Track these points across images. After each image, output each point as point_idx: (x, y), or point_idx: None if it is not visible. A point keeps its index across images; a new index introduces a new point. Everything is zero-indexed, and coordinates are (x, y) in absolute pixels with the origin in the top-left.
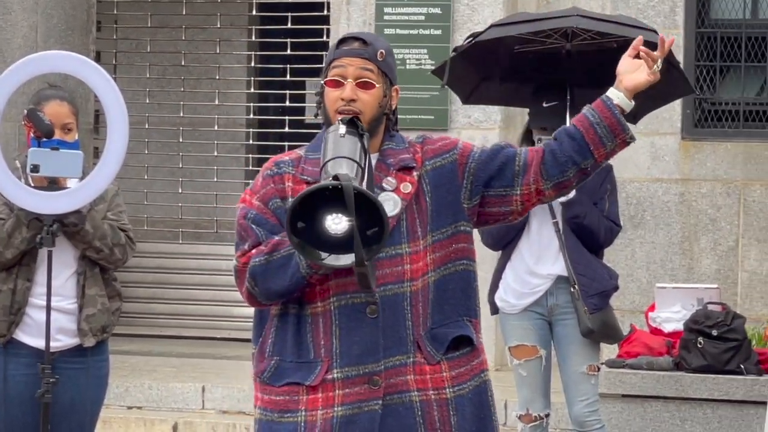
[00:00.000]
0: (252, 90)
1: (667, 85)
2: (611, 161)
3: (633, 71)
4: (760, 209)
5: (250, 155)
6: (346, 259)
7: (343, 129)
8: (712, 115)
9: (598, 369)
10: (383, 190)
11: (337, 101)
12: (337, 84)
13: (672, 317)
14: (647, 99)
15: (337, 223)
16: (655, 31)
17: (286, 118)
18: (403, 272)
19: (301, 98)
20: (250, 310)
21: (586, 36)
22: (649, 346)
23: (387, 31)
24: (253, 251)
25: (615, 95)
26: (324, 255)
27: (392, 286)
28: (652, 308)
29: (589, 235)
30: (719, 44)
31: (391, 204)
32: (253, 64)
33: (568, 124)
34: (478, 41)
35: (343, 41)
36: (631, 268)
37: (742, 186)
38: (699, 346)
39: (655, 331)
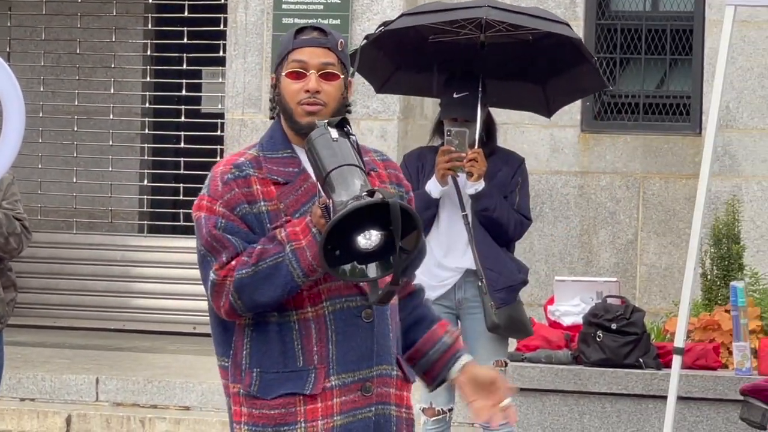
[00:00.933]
0: (148, 79)
1: (583, 79)
2: (522, 154)
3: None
4: (659, 202)
5: (146, 145)
6: (372, 272)
7: (335, 132)
8: (611, 108)
9: (506, 364)
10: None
11: (299, 93)
12: (299, 75)
13: (571, 311)
14: (563, 94)
15: (367, 239)
16: (567, 24)
17: (182, 107)
18: (383, 282)
19: (198, 87)
20: (145, 302)
21: (501, 27)
22: (548, 339)
23: (285, 20)
24: (233, 263)
25: (459, 365)
26: (359, 272)
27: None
28: (551, 301)
29: (498, 228)
30: (619, 36)
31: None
32: (149, 53)
33: (479, 115)
34: (389, 30)
35: (300, 31)
36: (529, 261)
37: (641, 179)
38: (598, 339)
39: (554, 325)
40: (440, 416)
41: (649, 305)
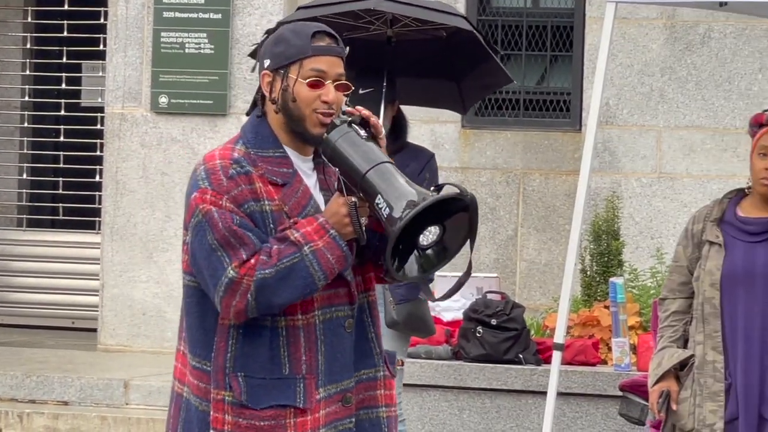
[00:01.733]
0: (27, 72)
1: (492, 74)
2: (432, 149)
3: None
4: (540, 198)
5: (25, 138)
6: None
7: (363, 131)
8: (492, 104)
9: (402, 363)
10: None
11: (315, 102)
12: (318, 85)
13: (451, 306)
14: (476, 89)
15: (426, 236)
16: (465, 18)
17: (62, 101)
18: (359, 282)
19: (78, 81)
20: (24, 296)
21: (407, 22)
22: None
23: (166, 14)
24: (252, 261)
25: None
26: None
27: (363, 294)
28: None
29: None
30: (500, 33)
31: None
32: (28, 46)
33: (381, 111)
34: (285, 23)
35: (313, 36)
36: None
37: (521, 175)
38: (478, 335)
39: (434, 320)
40: None
41: (529, 301)
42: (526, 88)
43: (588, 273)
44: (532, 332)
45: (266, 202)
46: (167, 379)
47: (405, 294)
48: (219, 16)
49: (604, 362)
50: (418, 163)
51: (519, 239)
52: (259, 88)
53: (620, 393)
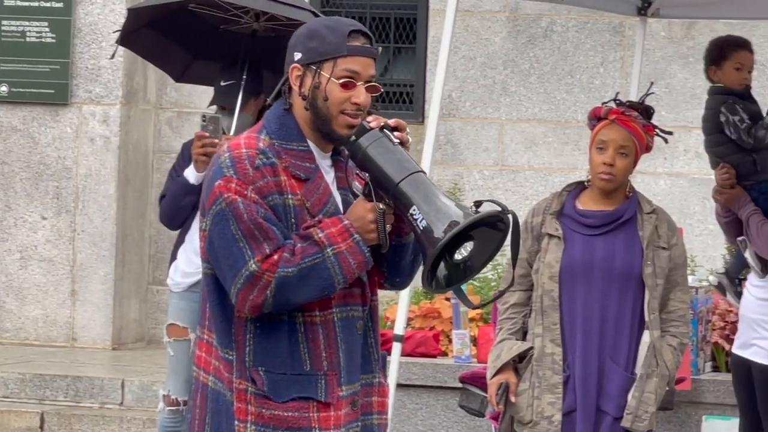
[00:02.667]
0: None
1: None
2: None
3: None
4: None
5: None
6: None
7: (394, 138)
8: None
9: None
10: (354, 194)
11: (345, 103)
12: (349, 85)
13: None
14: None
15: (461, 252)
16: (315, 13)
17: None
18: (363, 285)
19: None
20: None
21: (274, 15)
22: None
23: (7, 2)
24: (275, 257)
25: None
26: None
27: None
28: None
29: None
30: None
31: None
32: None
33: (238, 103)
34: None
35: (349, 35)
36: None
37: None
38: None
39: None
40: (175, 407)
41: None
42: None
43: None
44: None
45: (289, 196)
46: (5, 370)
47: None
48: (60, 4)
49: (445, 354)
50: None
51: None
52: (286, 78)
53: (460, 385)
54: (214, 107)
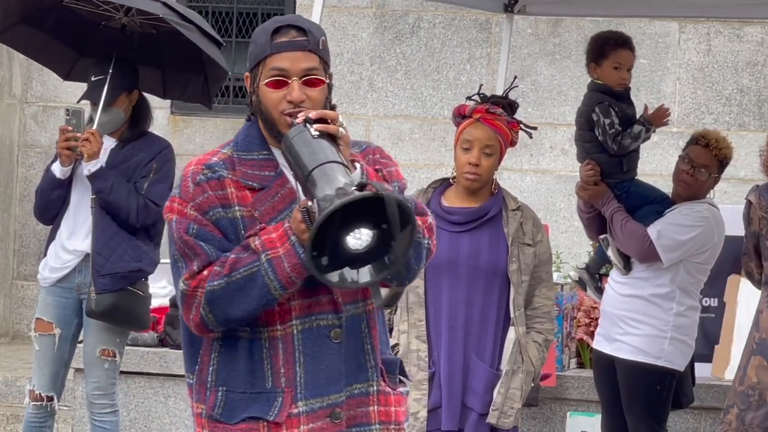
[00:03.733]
0: None
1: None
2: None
3: None
4: None
5: None
6: (365, 276)
7: (314, 130)
8: None
9: (114, 354)
10: None
11: (281, 103)
12: (279, 84)
13: (158, 293)
14: (214, 81)
15: (357, 238)
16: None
17: None
18: (356, 291)
19: None
20: None
21: (149, 12)
22: None
23: None
24: (205, 272)
25: None
26: (350, 277)
27: (350, 306)
28: None
29: (116, 211)
30: (211, 19)
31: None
32: None
33: (102, 97)
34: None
35: (276, 31)
36: None
37: None
38: None
39: None
40: (39, 402)
41: None
42: (235, 75)
43: None
44: None
45: (237, 208)
46: None
47: (108, 284)
48: None
49: None
50: (148, 154)
51: None
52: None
53: None
54: (86, 102)
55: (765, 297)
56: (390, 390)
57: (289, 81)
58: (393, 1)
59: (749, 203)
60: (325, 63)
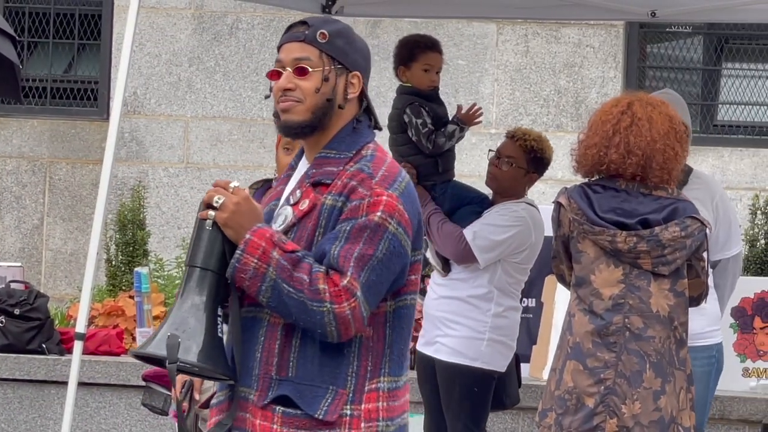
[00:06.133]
0: None
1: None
2: None
3: None
4: (66, 187)
5: None
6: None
7: (210, 222)
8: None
9: None
10: (288, 203)
11: (277, 93)
12: (278, 75)
13: None
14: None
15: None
16: None
17: None
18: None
19: None
20: None
21: None
22: None
23: None
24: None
25: None
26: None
27: (252, 308)
28: None
29: None
30: (28, 19)
31: (281, 218)
32: None
33: None
34: None
35: (288, 28)
36: None
37: (48, 164)
38: (1, 325)
39: None
40: None
41: (55, 291)
42: (53, 76)
43: (113, 263)
44: (57, 322)
45: None
46: None
47: None
48: None
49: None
50: None
51: (45, 228)
52: None
53: (143, 383)
54: None
55: (575, 300)
56: (260, 402)
57: (283, 72)
58: (211, 2)
59: (559, 205)
60: (329, 55)
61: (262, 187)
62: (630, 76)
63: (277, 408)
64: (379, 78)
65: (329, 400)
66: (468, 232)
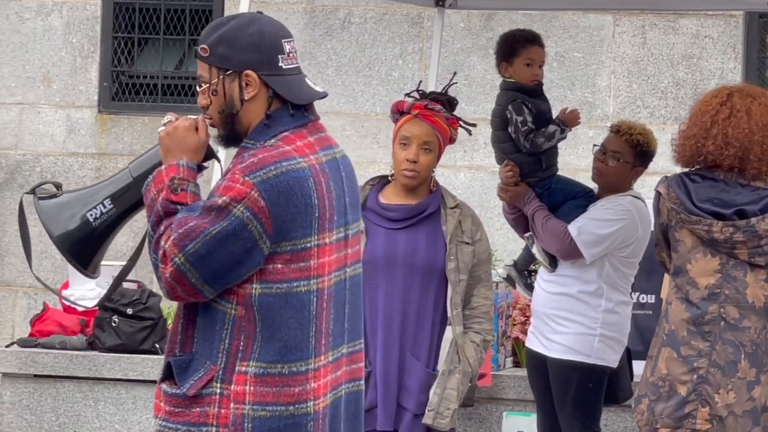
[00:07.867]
0: None
1: None
2: (38, 135)
3: None
4: None
5: None
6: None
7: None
8: (129, 89)
9: None
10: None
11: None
12: None
13: (86, 295)
14: None
15: None
16: None
17: None
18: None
19: None
20: None
21: None
22: (62, 324)
23: None
24: None
25: None
26: None
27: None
28: (65, 286)
29: None
30: (138, 15)
31: None
32: None
33: None
34: None
35: None
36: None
37: None
38: (113, 324)
39: (69, 310)
40: None
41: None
42: (164, 72)
43: None
44: (169, 321)
45: None
46: None
47: None
48: None
49: None
50: None
51: None
52: None
53: None
54: None
55: (673, 288)
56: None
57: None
58: None
59: (658, 194)
60: (216, 66)
61: (379, 183)
62: (750, 67)
63: (163, 385)
64: (493, 71)
65: (199, 375)
66: (573, 228)
